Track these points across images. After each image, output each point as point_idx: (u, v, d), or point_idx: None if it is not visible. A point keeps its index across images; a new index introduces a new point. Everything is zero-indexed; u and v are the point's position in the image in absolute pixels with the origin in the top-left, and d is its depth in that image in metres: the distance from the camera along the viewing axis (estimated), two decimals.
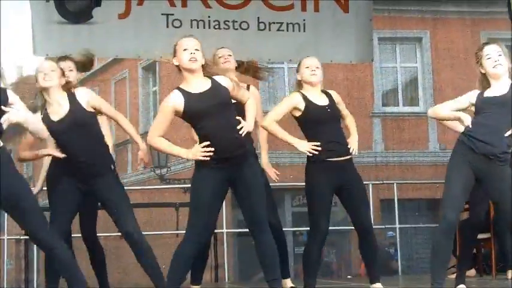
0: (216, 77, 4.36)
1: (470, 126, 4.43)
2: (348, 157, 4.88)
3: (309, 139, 4.88)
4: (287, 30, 7.03)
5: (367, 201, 4.98)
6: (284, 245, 5.29)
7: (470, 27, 13.70)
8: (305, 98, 4.88)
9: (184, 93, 4.31)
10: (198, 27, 6.78)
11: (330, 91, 5.01)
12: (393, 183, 8.90)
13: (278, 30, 6.99)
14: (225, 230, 8.42)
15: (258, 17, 6.97)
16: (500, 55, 4.47)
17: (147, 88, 17.76)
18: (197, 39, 4.44)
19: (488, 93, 4.49)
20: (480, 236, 6.25)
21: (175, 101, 4.31)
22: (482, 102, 4.47)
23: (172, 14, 6.81)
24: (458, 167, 4.45)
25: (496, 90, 4.47)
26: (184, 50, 4.36)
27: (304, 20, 7.07)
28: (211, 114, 4.24)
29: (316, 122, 4.85)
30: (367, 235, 4.85)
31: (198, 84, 4.33)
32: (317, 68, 4.94)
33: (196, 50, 4.36)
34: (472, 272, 7.01)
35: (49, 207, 4.79)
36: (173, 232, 9.22)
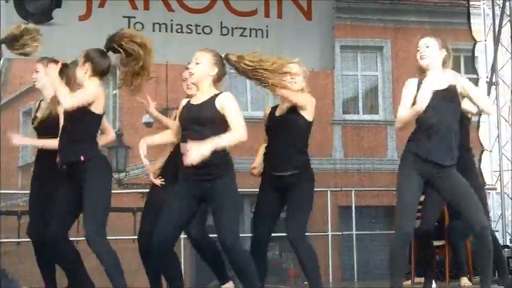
0: (221, 94, 4.34)
1: (416, 127, 4.49)
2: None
3: None
4: (250, 36, 7.04)
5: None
6: (217, 252, 5.26)
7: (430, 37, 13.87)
8: None
9: (187, 102, 4.47)
10: (160, 31, 6.75)
11: None
12: (351, 190, 8.96)
13: (241, 35, 6.99)
14: (182, 236, 8.35)
15: (221, 22, 6.97)
16: (427, 47, 4.58)
17: (107, 91, 17.60)
18: (203, 50, 4.40)
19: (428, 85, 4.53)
20: (434, 243, 6.33)
21: (179, 109, 4.50)
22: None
23: (134, 17, 6.77)
24: (408, 175, 4.49)
25: (435, 82, 4.52)
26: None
27: (267, 26, 7.09)
28: (186, 128, 4.29)
29: None
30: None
31: (200, 96, 4.39)
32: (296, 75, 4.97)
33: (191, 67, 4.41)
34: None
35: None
36: (130, 237, 9.14)
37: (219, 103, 4.27)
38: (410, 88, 4.59)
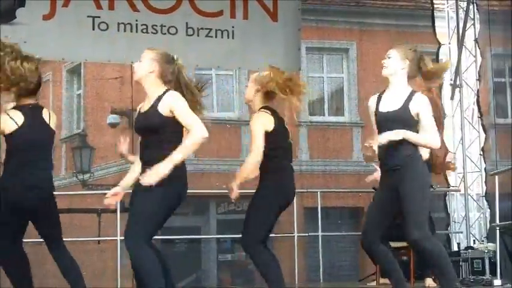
0: (164, 96, 4.18)
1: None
2: None
3: None
4: (216, 37, 7.01)
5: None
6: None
7: (395, 39, 13.99)
8: None
9: (138, 109, 4.36)
10: (125, 31, 6.69)
11: None
12: (317, 192, 8.98)
13: (207, 36, 6.96)
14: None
15: (187, 22, 6.93)
16: (389, 57, 4.58)
17: (70, 91, 17.43)
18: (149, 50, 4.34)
19: (383, 103, 4.56)
20: (399, 245, 6.37)
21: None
22: (379, 118, 4.56)
23: (99, 17, 6.70)
24: (379, 187, 4.65)
25: (391, 98, 4.55)
26: None
27: (233, 26, 7.07)
28: (142, 136, 4.25)
29: None
30: None
31: (147, 100, 4.28)
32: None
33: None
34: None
35: None
36: (95, 239, 9.07)
37: (163, 106, 4.15)
38: (370, 110, 4.64)
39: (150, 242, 4.19)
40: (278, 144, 4.81)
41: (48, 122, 4.74)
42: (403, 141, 4.43)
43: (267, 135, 4.74)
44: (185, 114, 4.14)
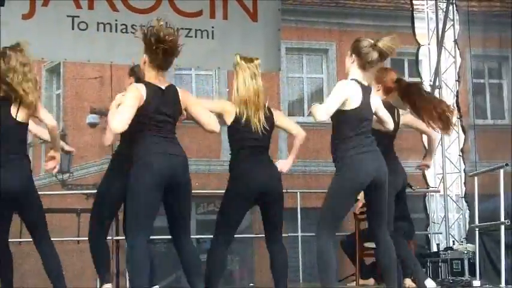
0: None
1: None
2: None
3: None
4: (195, 37, 7.00)
5: None
6: None
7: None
8: None
9: None
10: (104, 31, 6.67)
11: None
12: (297, 192, 8.99)
13: (186, 36, 6.94)
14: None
15: (166, 22, 6.90)
16: None
17: (50, 91, 17.33)
18: None
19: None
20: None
21: None
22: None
23: (78, 16, 6.67)
24: None
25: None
26: None
27: (212, 27, 7.07)
28: None
29: None
30: None
31: None
32: None
33: None
34: (370, 281, 7.15)
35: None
36: (74, 239, 9.01)
37: None
38: None
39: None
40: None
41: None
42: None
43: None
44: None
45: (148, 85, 4.44)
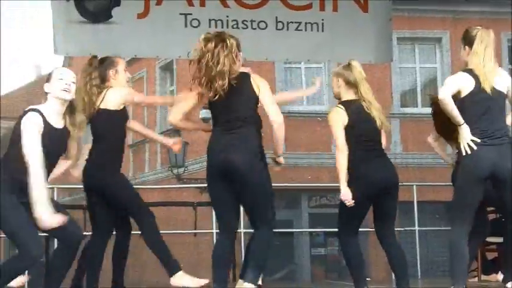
0: None
1: None
2: None
3: None
4: (305, 30, 6.97)
5: None
6: None
7: (491, 27, 13.60)
8: None
9: None
10: (216, 27, 6.75)
11: None
12: (412, 185, 8.83)
13: (296, 29, 6.94)
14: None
15: (276, 17, 6.93)
16: None
17: (164, 87, 17.80)
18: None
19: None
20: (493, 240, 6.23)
21: None
22: None
23: (191, 14, 6.78)
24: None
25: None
26: None
27: (322, 19, 7.02)
28: None
29: None
30: None
31: None
32: None
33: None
34: (493, 277, 6.92)
35: None
36: (191, 231, 9.21)
37: None
38: None
39: None
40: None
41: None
42: None
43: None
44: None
45: None
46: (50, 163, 4.32)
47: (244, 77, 4.62)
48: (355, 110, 4.89)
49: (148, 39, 6.74)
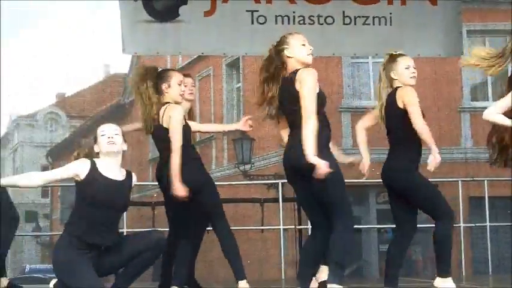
0: None
1: None
2: None
3: None
4: (373, 24, 6.90)
5: None
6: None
7: None
8: None
9: None
10: (282, 23, 6.75)
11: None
12: (484, 180, 8.65)
13: (364, 24, 6.87)
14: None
15: (343, 11, 6.88)
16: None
17: (231, 85, 17.88)
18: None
19: None
20: None
21: None
22: None
23: (257, 11, 6.79)
24: None
25: None
26: None
27: (390, 13, 6.93)
28: None
29: None
30: None
31: None
32: (415, 68, 4.92)
33: None
34: None
35: None
36: (258, 227, 9.24)
37: None
38: None
39: None
40: None
41: None
42: None
43: None
44: None
45: None
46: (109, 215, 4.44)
47: None
48: None
49: (214, 37, 6.78)
